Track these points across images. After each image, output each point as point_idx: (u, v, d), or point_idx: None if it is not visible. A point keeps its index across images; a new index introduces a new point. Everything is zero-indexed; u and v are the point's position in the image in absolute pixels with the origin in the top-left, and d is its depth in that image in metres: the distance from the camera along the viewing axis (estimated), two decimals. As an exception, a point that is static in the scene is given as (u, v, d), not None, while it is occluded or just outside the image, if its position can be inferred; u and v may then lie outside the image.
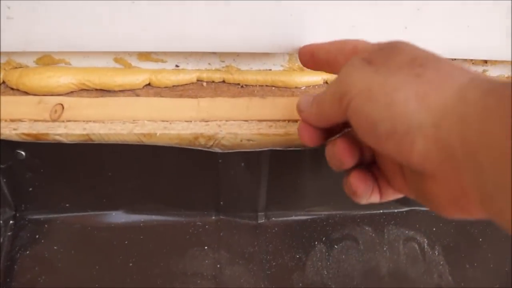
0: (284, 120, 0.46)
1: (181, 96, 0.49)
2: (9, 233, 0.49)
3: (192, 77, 0.50)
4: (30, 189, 0.49)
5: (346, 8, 0.44)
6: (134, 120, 0.46)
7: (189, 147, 0.45)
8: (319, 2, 0.43)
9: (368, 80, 0.31)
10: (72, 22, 0.46)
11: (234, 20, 0.45)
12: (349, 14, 0.44)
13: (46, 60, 0.50)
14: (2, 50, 0.49)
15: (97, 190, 0.49)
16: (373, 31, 0.45)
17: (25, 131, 0.46)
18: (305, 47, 0.42)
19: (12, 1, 0.43)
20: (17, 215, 0.50)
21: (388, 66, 0.31)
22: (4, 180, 0.48)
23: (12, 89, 0.50)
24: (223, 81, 0.50)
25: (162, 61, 0.50)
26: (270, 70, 0.50)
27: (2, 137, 0.46)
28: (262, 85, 0.50)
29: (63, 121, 0.46)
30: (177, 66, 0.50)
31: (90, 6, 0.44)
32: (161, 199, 0.50)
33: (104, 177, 0.48)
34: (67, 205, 0.50)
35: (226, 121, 0.46)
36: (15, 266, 0.48)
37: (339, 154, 0.36)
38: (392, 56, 0.32)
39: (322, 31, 0.45)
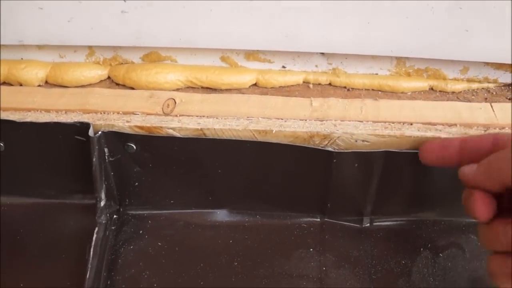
0: (400, 122, 0.46)
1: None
2: (112, 227, 0.48)
3: (298, 78, 0.50)
4: (136, 183, 0.48)
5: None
6: (248, 117, 0.46)
7: (305, 145, 0.45)
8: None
9: None
10: (186, 17, 0.46)
11: (349, 19, 0.45)
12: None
13: (153, 56, 0.50)
14: (113, 44, 0.49)
15: (204, 187, 0.49)
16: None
17: (138, 124, 0.46)
18: (434, 142, 0.42)
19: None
20: (121, 209, 0.50)
21: None
22: (112, 173, 0.47)
23: (118, 84, 0.50)
24: (329, 84, 0.50)
25: (269, 61, 0.50)
26: (377, 74, 0.50)
27: (115, 129, 0.45)
28: (368, 89, 0.50)
29: (176, 115, 0.46)
30: (283, 67, 0.50)
31: (208, 2, 0.44)
32: (267, 199, 0.49)
33: (212, 174, 0.48)
34: (171, 201, 0.50)
35: (342, 121, 0.46)
36: (119, 260, 0.47)
37: None
38: None
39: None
